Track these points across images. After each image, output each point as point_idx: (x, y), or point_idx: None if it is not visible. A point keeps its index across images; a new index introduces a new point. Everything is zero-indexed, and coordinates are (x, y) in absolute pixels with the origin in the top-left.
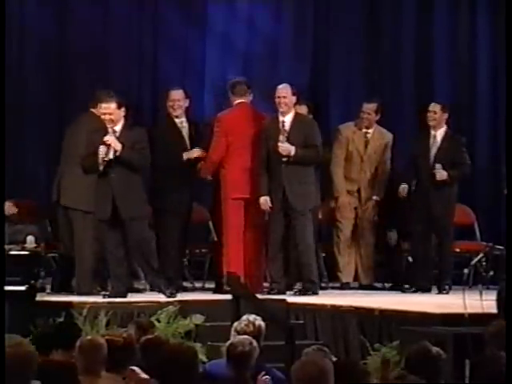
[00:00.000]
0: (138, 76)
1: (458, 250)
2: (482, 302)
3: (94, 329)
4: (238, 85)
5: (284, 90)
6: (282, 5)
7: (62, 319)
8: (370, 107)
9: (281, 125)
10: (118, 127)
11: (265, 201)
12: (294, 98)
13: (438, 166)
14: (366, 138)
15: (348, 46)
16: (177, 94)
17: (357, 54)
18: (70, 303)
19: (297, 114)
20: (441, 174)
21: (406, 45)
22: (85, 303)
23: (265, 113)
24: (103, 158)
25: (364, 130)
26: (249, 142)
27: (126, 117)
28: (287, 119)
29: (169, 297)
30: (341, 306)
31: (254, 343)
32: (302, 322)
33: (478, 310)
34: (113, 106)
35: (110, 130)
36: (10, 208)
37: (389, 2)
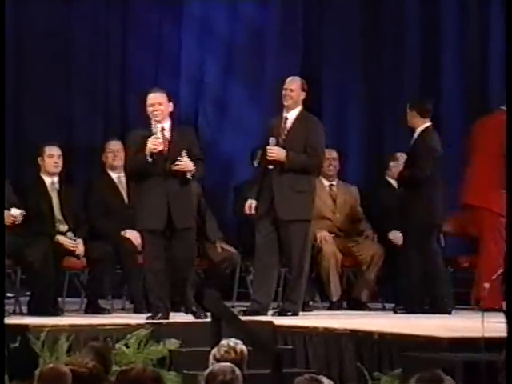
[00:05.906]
0: (105, 64)
1: (466, 264)
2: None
3: (54, 355)
4: None
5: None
6: None
7: (16, 345)
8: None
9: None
10: (167, 125)
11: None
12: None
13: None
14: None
15: (343, 34)
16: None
17: (353, 42)
18: (25, 326)
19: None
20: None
21: (411, 33)
22: (43, 326)
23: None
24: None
25: None
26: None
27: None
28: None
29: (200, 318)
30: (335, 329)
31: (237, 371)
32: (291, 347)
33: (494, 334)
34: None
35: (158, 128)
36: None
37: None
